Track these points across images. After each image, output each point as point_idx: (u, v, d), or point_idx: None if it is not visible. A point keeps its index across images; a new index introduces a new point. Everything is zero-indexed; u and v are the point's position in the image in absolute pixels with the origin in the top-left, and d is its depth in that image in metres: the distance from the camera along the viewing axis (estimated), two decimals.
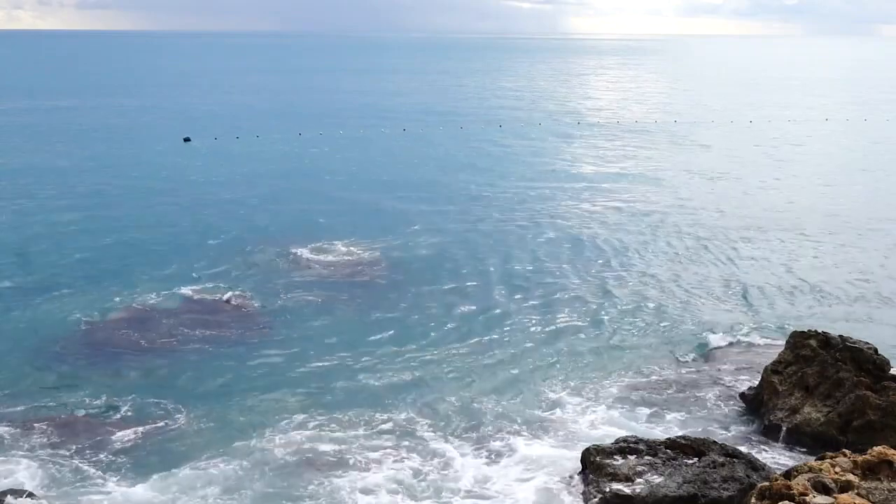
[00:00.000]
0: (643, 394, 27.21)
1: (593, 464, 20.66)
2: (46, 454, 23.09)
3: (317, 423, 25.05)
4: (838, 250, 44.60)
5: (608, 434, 23.46)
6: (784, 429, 24.29)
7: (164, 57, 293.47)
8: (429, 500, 21.18)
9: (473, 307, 35.20)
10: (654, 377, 28.48)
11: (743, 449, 21.45)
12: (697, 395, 27.10)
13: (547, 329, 32.98)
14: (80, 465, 22.65)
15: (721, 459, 20.42)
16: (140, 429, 24.67)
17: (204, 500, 21.12)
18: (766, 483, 15.40)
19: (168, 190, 58.50)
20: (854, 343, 25.82)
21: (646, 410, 25.96)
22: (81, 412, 25.62)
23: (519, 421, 25.29)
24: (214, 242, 44.62)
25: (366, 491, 21.44)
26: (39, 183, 59.62)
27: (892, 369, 25.22)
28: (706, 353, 30.67)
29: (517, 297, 36.64)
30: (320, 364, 29.39)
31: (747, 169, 68.91)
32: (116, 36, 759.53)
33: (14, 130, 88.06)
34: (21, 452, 23.12)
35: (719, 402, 26.59)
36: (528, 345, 31.36)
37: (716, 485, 19.58)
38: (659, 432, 23.38)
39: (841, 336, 26.60)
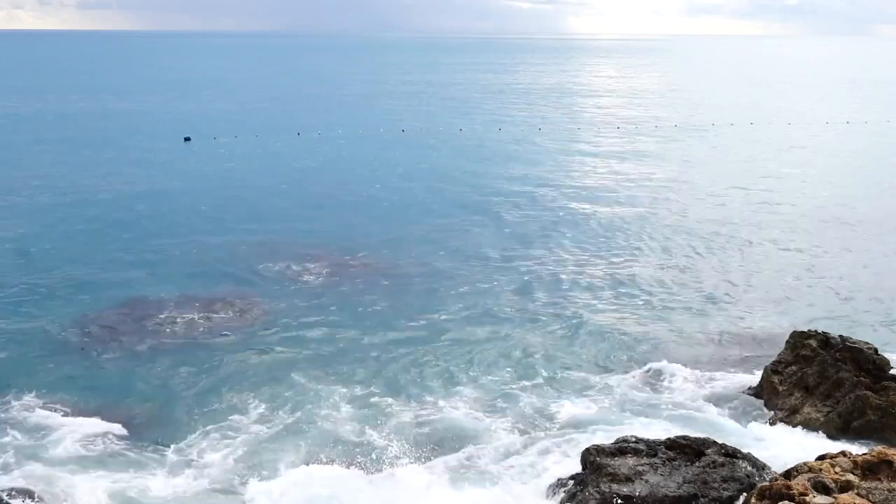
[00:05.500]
0: (643, 393, 27.20)
1: (593, 464, 20.63)
2: (46, 450, 23.09)
3: (313, 421, 25.06)
4: (839, 251, 44.60)
5: (608, 434, 23.43)
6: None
7: (164, 57, 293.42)
8: (425, 499, 21.18)
9: (472, 305, 35.21)
10: (653, 377, 28.45)
11: (743, 449, 21.40)
12: (697, 394, 27.08)
13: (545, 327, 32.97)
14: (80, 461, 22.64)
15: (721, 459, 20.38)
16: (139, 422, 24.75)
17: (203, 496, 21.12)
18: (766, 483, 15.39)
19: (167, 188, 58.59)
20: (854, 343, 25.85)
21: (645, 410, 25.95)
22: (80, 406, 25.64)
23: (517, 420, 25.29)
24: (212, 241, 44.64)
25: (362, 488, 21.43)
26: (39, 181, 59.66)
27: (892, 369, 25.24)
28: (705, 353, 30.66)
29: (517, 293, 36.66)
30: (316, 360, 29.43)
31: (748, 171, 68.90)
32: (117, 36, 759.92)
33: (14, 129, 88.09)
34: (21, 450, 23.12)
35: (719, 402, 26.56)
36: (527, 343, 31.33)
37: (716, 485, 19.54)
38: (659, 432, 23.35)
39: (841, 336, 26.63)
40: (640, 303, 36.11)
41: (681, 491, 19.36)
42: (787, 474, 15.77)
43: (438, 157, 74.38)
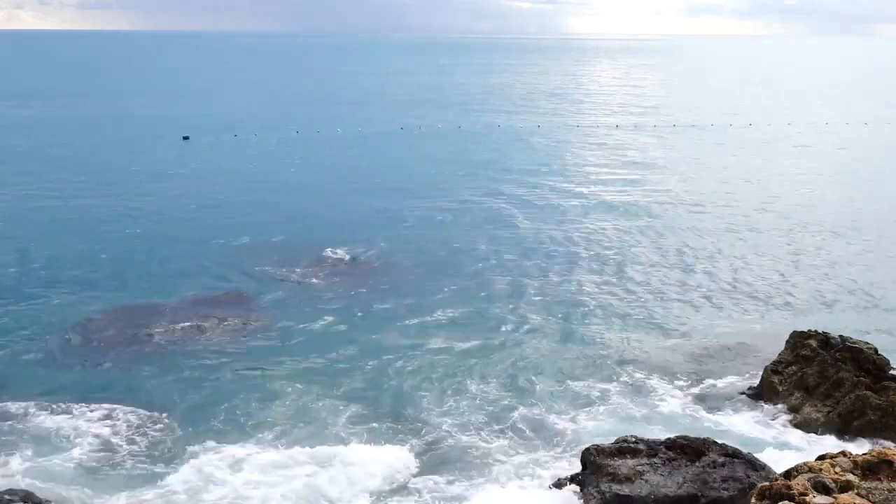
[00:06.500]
0: (643, 393, 27.20)
1: (593, 464, 20.62)
2: (46, 452, 23.09)
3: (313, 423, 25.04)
4: (839, 252, 44.59)
5: (608, 434, 23.43)
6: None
7: (164, 57, 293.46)
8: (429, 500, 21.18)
9: (472, 306, 35.25)
10: (653, 377, 28.44)
11: (743, 449, 21.41)
12: (697, 395, 27.10)
13: (546, 328, 32.98)
14: (81, 463, 22.65)
15: (721, 459, 20.39)
16: (139, 425, 24.68)
17: (203, 496, 21.10)
18: (766, 483, 15.34)
19: (166, 187, 58.65)
20: (854, 343, 25.86)
21: (645, 410, 25.97)
22: (80, 410, 25.55)
23: (518, 421, 25.29)
24: (211, 241, 44.64)
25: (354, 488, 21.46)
26: (38, 182, 59.65)
27: (892, 369, 25.24)
28: (706, 353, 30.64)
29: (517, 296, 36.66)
30: (318, 366, 29.47)
31: (747, 171, 68.94)
32: (117, 36, 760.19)
33: (15, 129, 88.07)
34: (20, 453, 23.11)
35: (719, 402, 26.56)
36: (528, 344, 31.37)
37: (716, 485, 19.55)
38: (659, 432, 23.35)
39: (841, 336, 26.64)
40: (640, 303, 36.09)
41: (681, 491, 19.37)
42: (787, 474, 15.72)
43: (437, 155, 74.33)
